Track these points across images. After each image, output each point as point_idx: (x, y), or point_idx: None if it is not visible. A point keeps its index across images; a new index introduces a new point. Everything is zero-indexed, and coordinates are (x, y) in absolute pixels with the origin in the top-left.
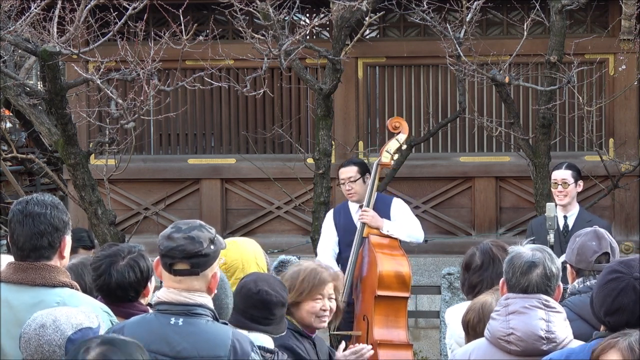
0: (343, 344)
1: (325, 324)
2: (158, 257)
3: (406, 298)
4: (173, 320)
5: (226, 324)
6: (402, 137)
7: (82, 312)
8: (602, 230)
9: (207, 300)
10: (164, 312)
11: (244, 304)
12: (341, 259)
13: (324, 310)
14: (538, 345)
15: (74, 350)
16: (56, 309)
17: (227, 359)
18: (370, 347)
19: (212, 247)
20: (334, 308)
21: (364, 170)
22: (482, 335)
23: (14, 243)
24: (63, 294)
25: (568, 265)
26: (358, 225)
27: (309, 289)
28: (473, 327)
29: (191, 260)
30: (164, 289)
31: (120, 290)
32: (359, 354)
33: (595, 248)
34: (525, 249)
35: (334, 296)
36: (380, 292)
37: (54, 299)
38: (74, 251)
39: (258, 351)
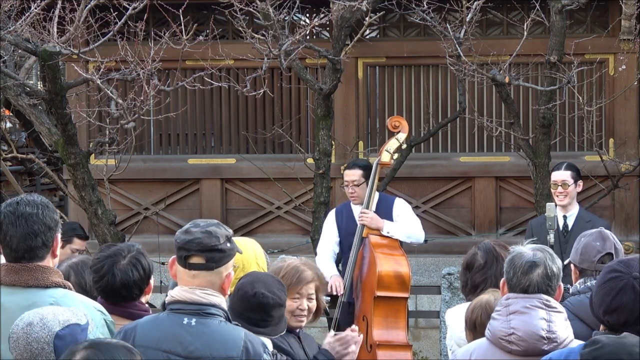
0: (332, 331)
1: (303, 324)
2: (173, 256)
3: (405, 298)
4: (186, 320)
5: (238, 324)
6: (402, 136)
7: (70, 310)
8: (608, 232)
9: (220, 300)
10: (177, 312)
11: (240, 307)
12: (342, 259)
13: (301, 310)
14: (539, 345)
15: (64, 354)
16: (43, 308)
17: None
18: (359, 335)
19: (228, 244)
20: (313, 308)
21: (369, 174)
22: None
23: (7, 245)
24: (56, 294)
25: (572, 266)
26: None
27: (287, 287)
28: (482, 324)
29: (207, 254)
30: (177, 287)
31: (125, 290)
32: (343, 340)
33: (599, 248)
34: (526, 249)
35: (314, 296)
36: (379, 293)
37: (47, 300)
38: (69, 241)
39: (270, 353)
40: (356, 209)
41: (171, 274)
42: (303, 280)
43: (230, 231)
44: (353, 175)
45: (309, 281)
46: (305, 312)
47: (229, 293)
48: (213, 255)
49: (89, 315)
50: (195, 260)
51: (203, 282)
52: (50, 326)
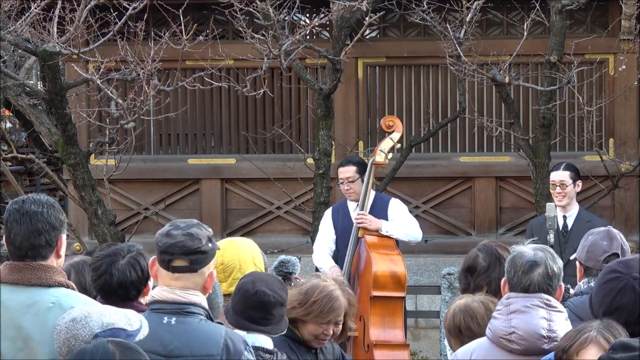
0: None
1: (324, 345)
2: (153, 257)
3: (402, 298)
4: (166, 319)
5: (221, 323)
6: (396, 135)
7: (122, 313)
8: (616, 231)
9: (200, 299)
10: (157, 311)
11: (242, 305)
12: (338, 258)
13: (326, 335)
14: (539, 344)
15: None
16: (94, 306)
17: (219, 357)
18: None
19: (209, 245)
20: (338, 332)
21: (363, 169)
22: (477, 334)
23: (11, 242)
24: (58, 293)
25: (577, 262)
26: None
27: (317, 313)
28: (467, 327)
29: (190, 256)
30: (157, 287)
31: (121, 290)
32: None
33: (606, 248)
34: (527, 249)
35: (341, 321)
36: (375, 293)
37: (49, 299)
38: None
39: (252, 350)
40: (352, 207)
41: (152, 274)
42: (334, 310)
43: (211, 231)
44: (347, 172)
45: (342, 309)
46: (329, 337)
47: (210, 291)
48: (196, 258)
49: (143, 321)
50: (178, 263)
51: (187, 283)
52: (92, 326)
